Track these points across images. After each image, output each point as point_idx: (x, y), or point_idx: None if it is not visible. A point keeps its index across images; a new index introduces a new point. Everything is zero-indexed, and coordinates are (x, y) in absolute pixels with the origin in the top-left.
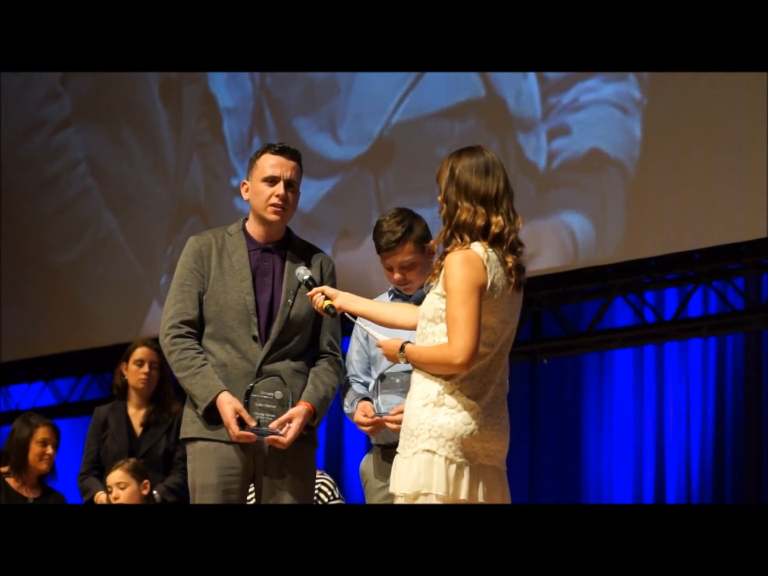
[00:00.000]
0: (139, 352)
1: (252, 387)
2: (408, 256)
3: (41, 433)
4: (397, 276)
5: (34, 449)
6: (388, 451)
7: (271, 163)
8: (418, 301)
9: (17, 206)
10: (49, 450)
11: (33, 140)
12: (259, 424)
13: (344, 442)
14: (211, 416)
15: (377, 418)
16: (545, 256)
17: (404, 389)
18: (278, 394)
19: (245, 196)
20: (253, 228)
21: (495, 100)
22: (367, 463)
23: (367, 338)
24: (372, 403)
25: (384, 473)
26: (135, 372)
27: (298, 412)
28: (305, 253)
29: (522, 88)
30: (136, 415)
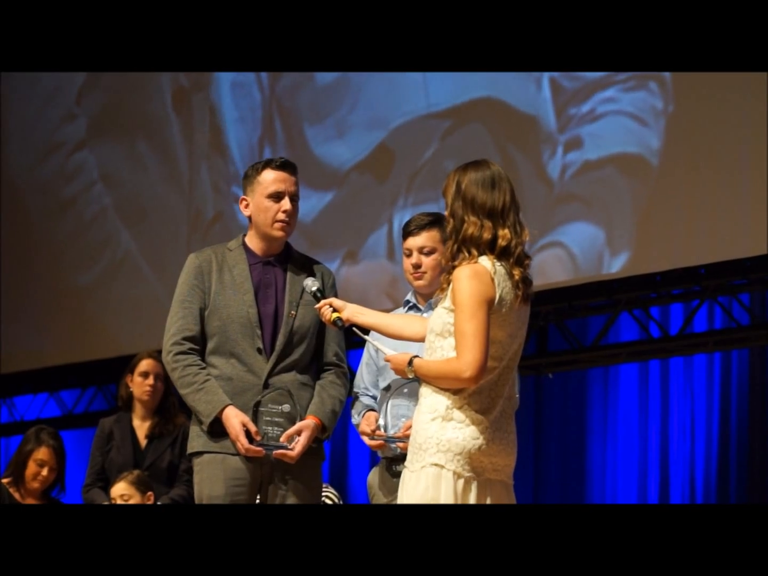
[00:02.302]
0: (144, 364)
1: (260, 400)
2: (429, 242)
3: (41, 453)
4: (413, 260)
5: (31, 467)
6: (393, 465)
7: (275, 179)
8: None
9: (33, 228)
10: (44, 472)
11: (49, 163)
12: (266, 437)
13: (349, 455)
14: (217, 430)
15: (379, 441)
16: (551, 270)
17: (411, 396)
18: (286, 407)
19: (245, 212)
20: (254, 242)
21: (507, 109)
22: (374, 477)
23: (377, 350)
24: (378, 413)
25: (388, 488)
26: (140, 384)
27: (306, 425)
28: (306, 265)
29: (537, 98)
30: (141, 427)
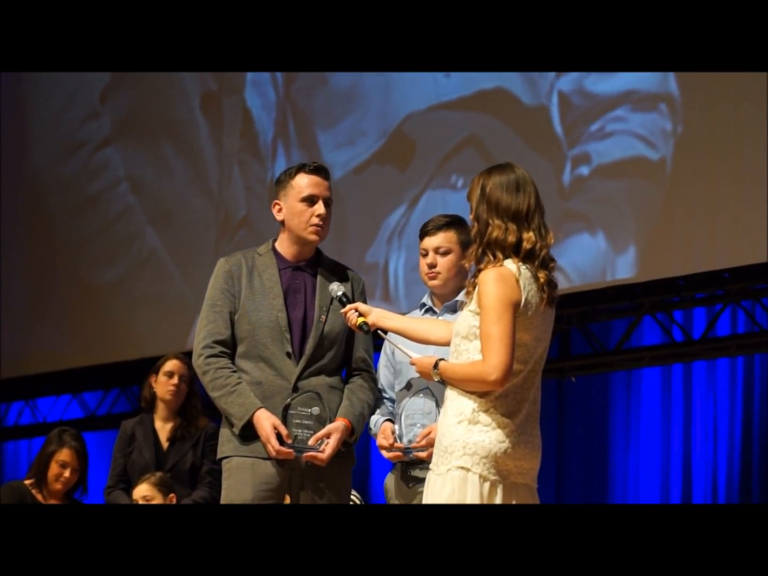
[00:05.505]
0: (170, 365)
1: (289, 403)
2: (445, 242)
3: (63, 455)
4: (429, 260)
5: (53, 468)
6: (409, 470)
7: (308, 183)
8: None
9: (56, 227)
10: (66, 473)
11: (73, 160)
12: (296, 440)
13: (371, 458)
14: (248, 434)
15: (397, 452)
16: (573, 275)
17: (426, 396)
18: (315, 410)
19: (278, 216)
20: (285, 247)
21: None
22: (390, 482)
23: (393, 352)
24: (394, 424)
25: (404, 495)
26: (164, 383)
27: (336, 427)
28: (336, 271)
29: (550, 108)
30: (163, 428)
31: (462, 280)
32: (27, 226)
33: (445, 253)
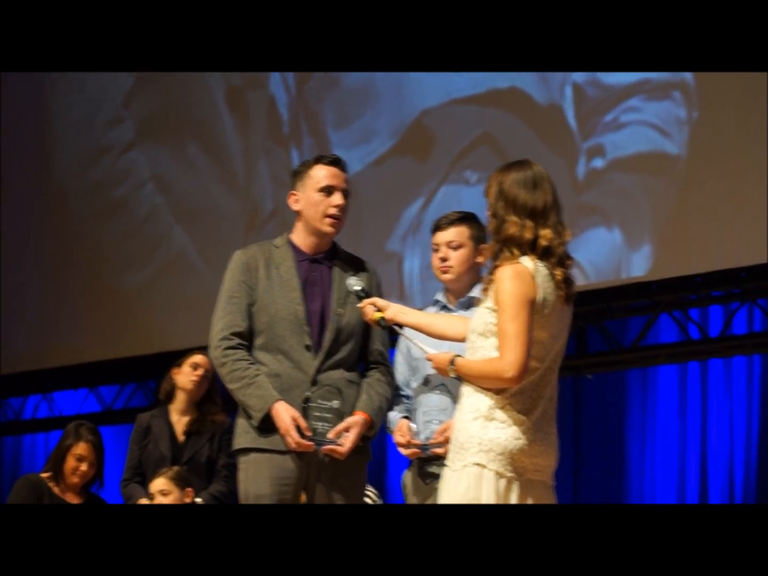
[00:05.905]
0: (197, 358)
1: (309, 396)
2: (457, 237)
3: (79, 448)
4: (441, 254)
5: (70, 462)
6: (426, 466)
7: (326, 174)
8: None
9: (80, 229)
10: (83, 467)
11: (98, 167)
12: (315, 433)
13: (388, 453)
14: (266, 426)
15: (414, 449)
16: (589, 270)
17: (443, 392)
18: (335, 404)
19: (295, 207)
20: (301, 239)
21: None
22: (407, 479)
23: (409, 349)
24: (410, 420)
25: (421, 492)
26: (188, 373)
27: (355, 421)
28: (352, 264)
29: (564, 102)
30: (180, 421)
31: (475, 276)
32: (49, 225)
33: (457, 248)
